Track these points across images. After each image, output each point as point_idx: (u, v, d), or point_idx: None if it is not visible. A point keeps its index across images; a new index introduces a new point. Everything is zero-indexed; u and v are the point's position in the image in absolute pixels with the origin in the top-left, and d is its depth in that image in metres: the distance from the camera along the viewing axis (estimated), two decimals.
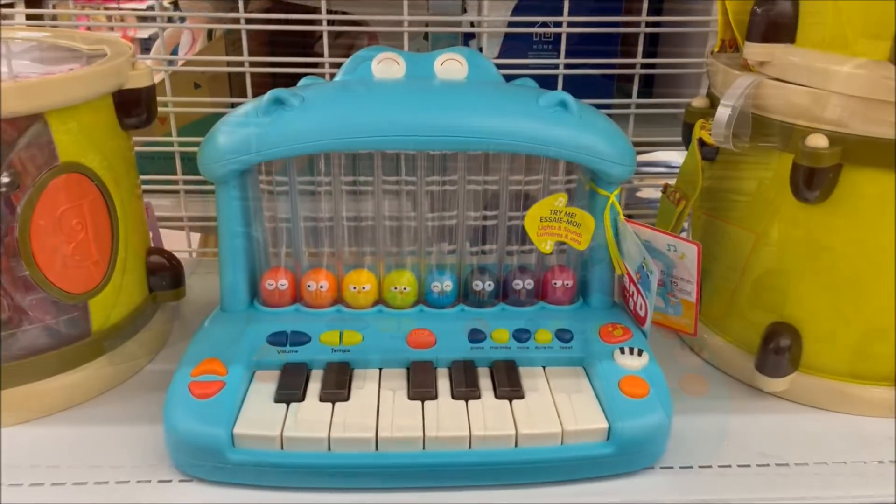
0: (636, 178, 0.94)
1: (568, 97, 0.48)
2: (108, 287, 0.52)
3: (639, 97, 0.72)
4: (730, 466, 0.47)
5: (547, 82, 0.68)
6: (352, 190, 0.53)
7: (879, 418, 0.52)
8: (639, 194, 0.96)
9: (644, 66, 0.72)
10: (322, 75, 0.62)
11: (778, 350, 0.52)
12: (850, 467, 0.48)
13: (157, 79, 0.77)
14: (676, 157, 1.01)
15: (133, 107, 0.52)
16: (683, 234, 0.56)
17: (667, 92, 0.77)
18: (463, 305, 0.54)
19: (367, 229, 0.54)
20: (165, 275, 0.57)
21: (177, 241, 0.76)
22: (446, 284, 0.53)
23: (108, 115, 0.51)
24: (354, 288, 0.53)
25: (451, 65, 0.52)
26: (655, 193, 0.96)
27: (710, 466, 0.47)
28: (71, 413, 0.51)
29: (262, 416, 0.45)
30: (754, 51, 0.50)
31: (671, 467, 0.47)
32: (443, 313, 0.54)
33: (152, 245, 0.60)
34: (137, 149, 0.57)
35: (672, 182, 0.59)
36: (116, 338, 0.53)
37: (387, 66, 0.51)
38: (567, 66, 0.70)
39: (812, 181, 0.47)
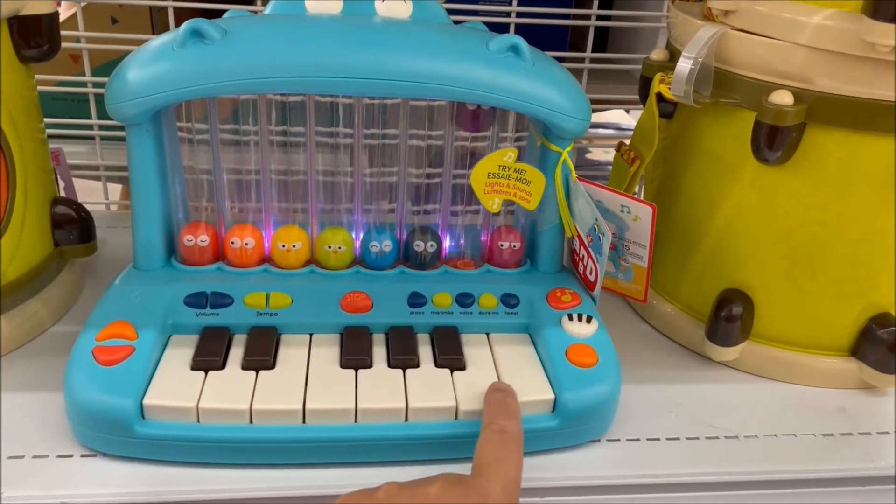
0: (585, 138, 0.92)
1: (520, 41, 0.44)
2: (3, 239, 0.46)
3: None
4: (678, 439, 0.45)
5: (497, 31, 0.64)
6: (282, 141, 0.48)
7: (830, 389, 0.50)
8: (588, 156, 0.94)
9: (599, 17, 0.68)
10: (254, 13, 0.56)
11: (729, 318, 0.50)
12: (801, 440, 0.46)
13: (68, 12, 0.70)
14: (627, 118, 0.99)
15: (32, 36, 0.47)
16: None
17: (620, 51, 0.74)
18: (403, 267, 0.51)
19: (298, 184, 0.50)
20: (73, 228, 0.52)
21: (94, 193, 0.70)
22: (385, 244, 0.49)
23: (3, 44, 0.45)
24: (283, 246, 0.49)
25: (393, 3, 0.47)
26: (605, 156, 0.94)
27: (658, 439, 0.45)
28: None
29: (176, 386, 0.41)
30: None
31: (618, 440, 0.45)
32: (381, 275, 0.50)
33: (61, 195, 0.54)
34: (47, 89, 0.51)
35: (627, 141, 0.56)
36: (15, 295, 0.48)
37: (322, 1, 0.46)
38: (520, 15, 0.66)
39: (774, 141, 0.45)
